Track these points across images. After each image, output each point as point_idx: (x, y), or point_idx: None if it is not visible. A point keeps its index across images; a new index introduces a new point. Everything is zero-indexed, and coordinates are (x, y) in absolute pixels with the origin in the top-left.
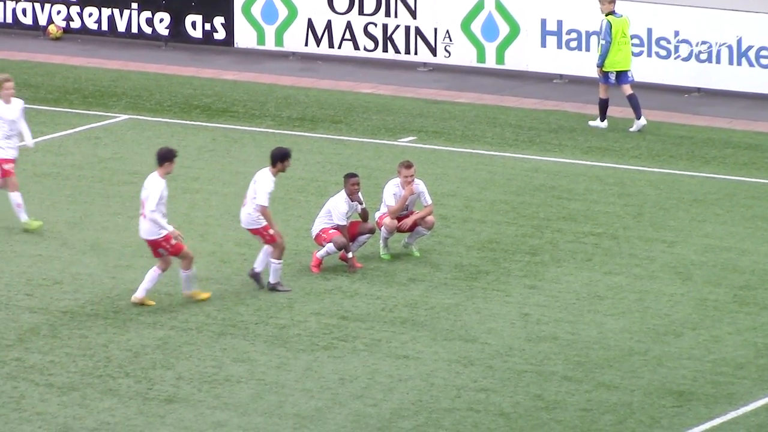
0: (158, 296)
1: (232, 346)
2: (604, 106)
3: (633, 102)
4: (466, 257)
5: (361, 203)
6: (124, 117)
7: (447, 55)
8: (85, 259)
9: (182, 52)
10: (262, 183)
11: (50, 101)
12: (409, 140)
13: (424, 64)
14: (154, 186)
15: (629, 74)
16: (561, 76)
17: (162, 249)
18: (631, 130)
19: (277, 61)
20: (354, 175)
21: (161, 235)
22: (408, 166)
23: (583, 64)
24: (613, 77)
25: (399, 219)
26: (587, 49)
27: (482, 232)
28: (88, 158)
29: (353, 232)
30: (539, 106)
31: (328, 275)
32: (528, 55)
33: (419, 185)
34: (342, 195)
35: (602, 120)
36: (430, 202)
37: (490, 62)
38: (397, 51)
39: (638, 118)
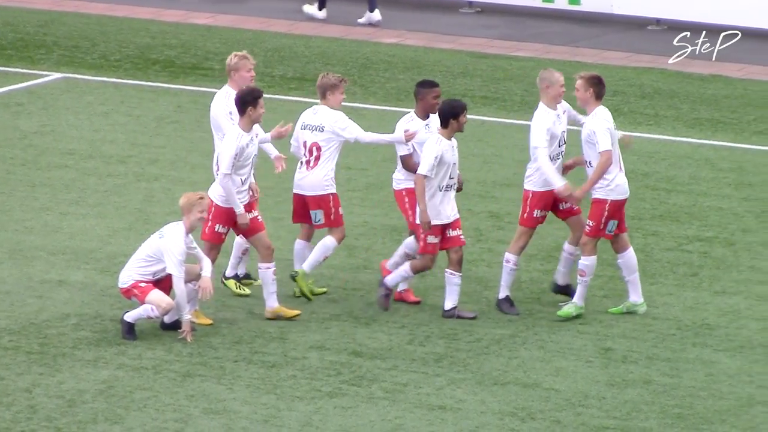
0: (102, 323)
1: (202, 391)
2: None
3: None
4: (525, 270)
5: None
6: (55, 76)
7: None
8: (1, 272)
9: None
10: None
11: None
12: None
13: (470, 4)
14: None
15: None
16: (658, 21)
17: None
18: (360, 21)
19: None
20: (433, 84)
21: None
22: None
23: (690, 6)
24: None
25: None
26: None
27: (548, 236)
28: (6, 132)
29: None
30: (627, 61)
31: (335, 295)
32: None
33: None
34: None
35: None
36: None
37: (561, 2)
38: None
39: (371, 10)
